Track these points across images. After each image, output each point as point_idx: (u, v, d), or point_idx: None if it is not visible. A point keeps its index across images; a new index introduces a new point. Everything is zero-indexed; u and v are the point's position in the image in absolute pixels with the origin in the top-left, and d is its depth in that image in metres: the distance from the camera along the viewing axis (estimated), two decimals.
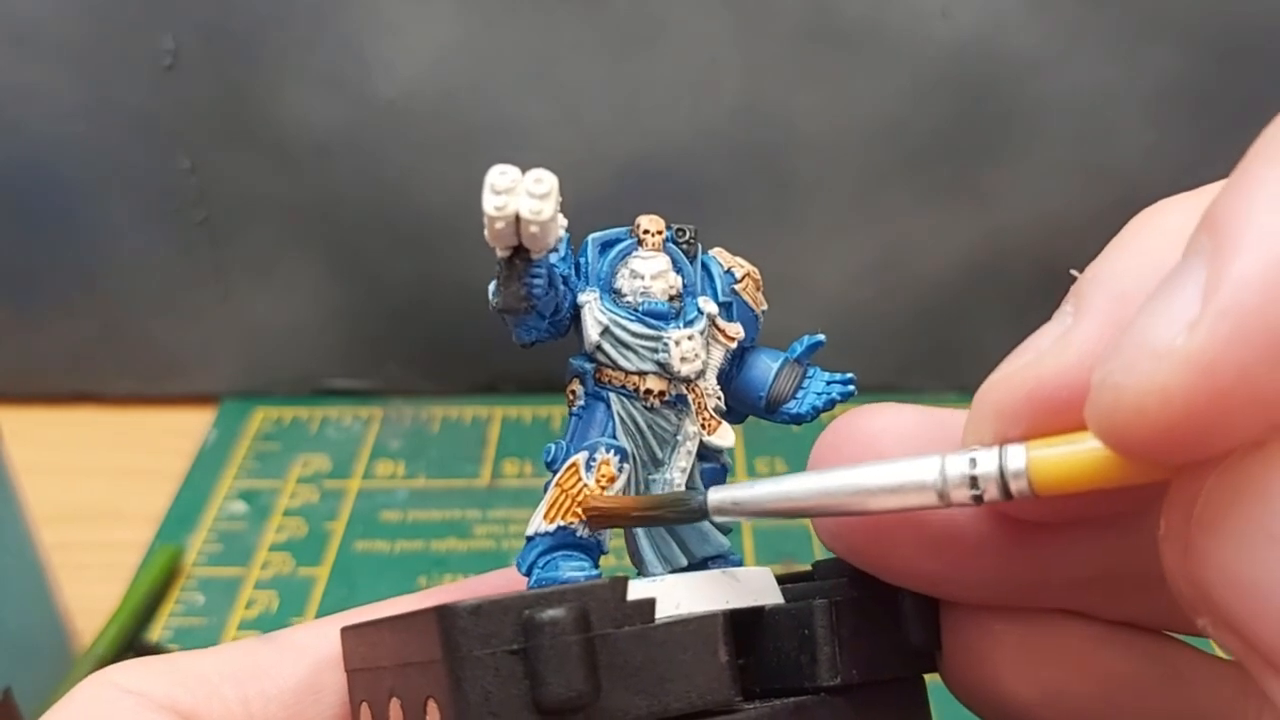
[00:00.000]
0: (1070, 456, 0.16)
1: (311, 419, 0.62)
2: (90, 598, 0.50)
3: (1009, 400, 0.18)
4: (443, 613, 0.19)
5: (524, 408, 0.63)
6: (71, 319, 0.62)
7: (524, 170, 0.21)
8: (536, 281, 0.22)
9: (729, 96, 0.55)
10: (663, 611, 0.21)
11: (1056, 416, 0.17)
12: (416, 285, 0.60)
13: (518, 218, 0.21)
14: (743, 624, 0.22)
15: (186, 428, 0.62)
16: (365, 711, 0.22)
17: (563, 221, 0.23)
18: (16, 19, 0.54)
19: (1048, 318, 0.19)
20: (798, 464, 0.58)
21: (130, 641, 0.49)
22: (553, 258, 0.23)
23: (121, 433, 0.62)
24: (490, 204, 0.21)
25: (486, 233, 0.21)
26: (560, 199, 0.21)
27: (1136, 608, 0.21)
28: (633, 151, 0.56)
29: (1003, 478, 0.17)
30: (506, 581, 0.25)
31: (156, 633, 0.50)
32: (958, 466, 0.18)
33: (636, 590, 0.21)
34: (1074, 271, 0.19)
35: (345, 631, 0.24)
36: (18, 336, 0.63)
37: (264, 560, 0.53)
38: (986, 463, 0.17)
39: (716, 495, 0.21)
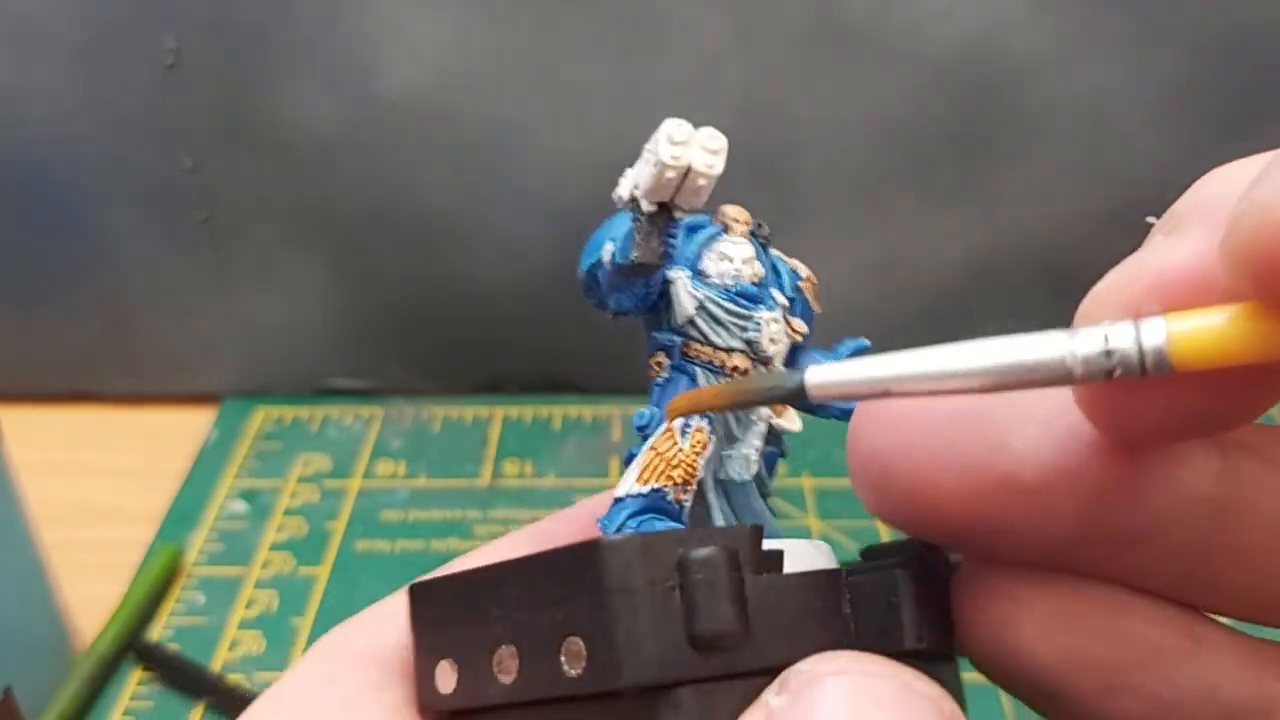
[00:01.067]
0: (1213, 325, 0.16)
1: (312, 418, 0.62)
2: (90, 597, 0.50)
3: (1130, 292, 0.17)
4: (610, 547, 0.19)
5: (525, 408, 0.62)
6: (72, 318, 0.62)
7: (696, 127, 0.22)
8: (673, 240, 0.23)
9: (731, 97, 0.55)
10: None
11: (1182, 305, 0.16)
12: (418, 285, 0.60)
13: (688, 170, 0.21)
14: None
15: (187, 427, 0.62)
16: (445, 668, 0.22)
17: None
18: (17, 18, 0.54)
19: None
20: (798, 465, 0.58)
21: (131, 640, 0.49)
22: None
23: (122, 432, 0.62)
24: (667, 153, 0.21)
25: (647, 183, 0.22)
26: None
27: (1175, 576, 0.21)
28: (635, 152, 0.56)
29: (1140, 350, 0.16)
30: (583, 524, 0.25)
31: (157, 632, 0.50)
32: (1089, 341, 0.17)
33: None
34: (1150, 219, 0.19)
35: (421, 586, 0.23)
36: (18, 335, 0.63)
37: (264, 559, 0.53)
38: (1120, 336, 0.16)
39: (817, 374, 0.19)
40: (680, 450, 0.23)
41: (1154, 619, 0.21)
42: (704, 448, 0.23)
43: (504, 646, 0.21)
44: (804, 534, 0.54)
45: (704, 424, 0.24)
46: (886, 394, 0.19)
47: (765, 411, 0.24)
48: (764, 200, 0.64)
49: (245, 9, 0.53)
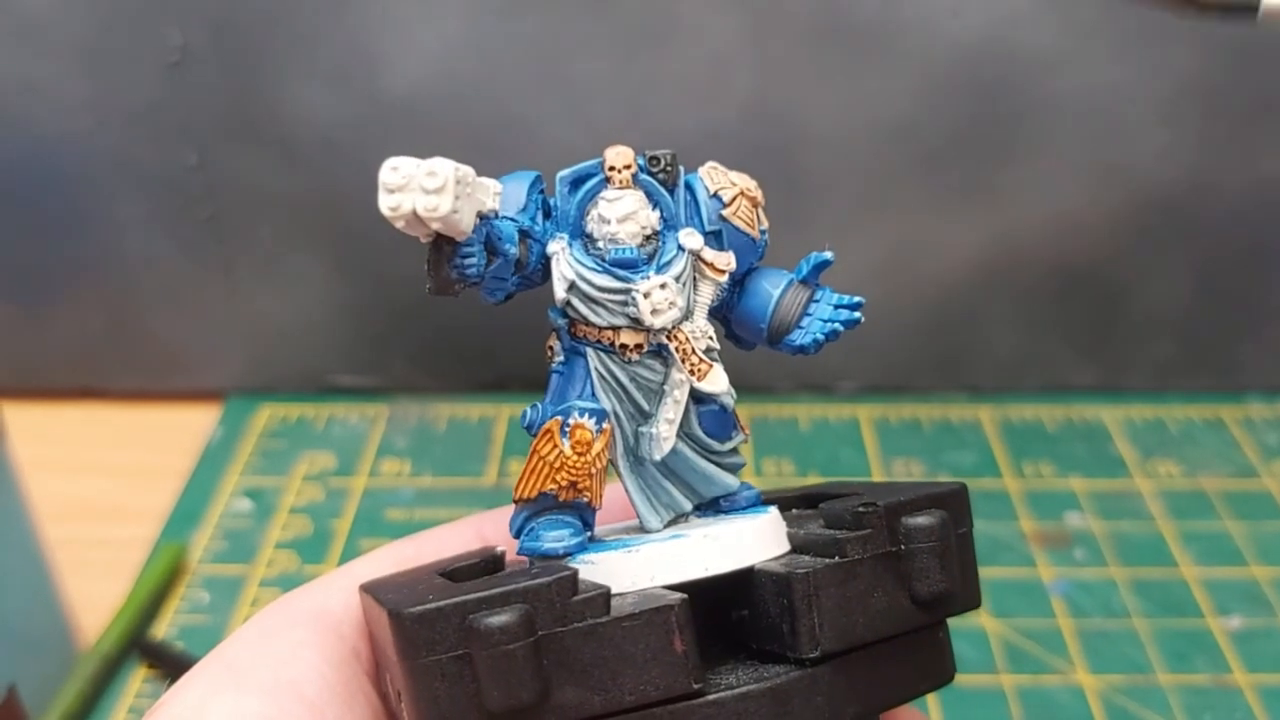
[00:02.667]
0: None
1: (317, 416, 0.62)
2: (94, 595, 0.50)
3: None
4: (392, 616, 0.19)
5: None
6: (77, 315, 0.62)
7: (425, 157, 0.20)
8: (468, 262, 0.22)
9: (739, 95, 0.54)
10: (637, 583, 0.21)
11: None
12: (423, 283, 0.60)
13: (416, 214, 0.20)
14: (736, 581, 0.22)
15: (192, 424, 0.62)
16: (388, 678, 0.22)
17: (496, 188, 0.22)
18: (24, 14, 0.54)
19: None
20: (806, 465, 0.58)
21: (135, 639, 0.49)
22: (509, 210, 0.22)
23: (126, 429, 0.62)
24: (383, 204, 0.20)
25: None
26: (468, 184, 0.21)
27: None
28: (641, 150, 0.56)
29: None
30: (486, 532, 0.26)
31: (161, 630, 0.50)
32: None
33: (602, 572, 0.21)
34: None
35: (362, 591, 0.24)
36: (24, 332, 0.63)
37: (269, 558, 0.53)
38: None
39: None
40: (561, 453, 0.22)
41: None
42: (587, 446, 0.22)
43: (388, 674, 0.21)
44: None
45: (586, 419, 0.23)
46: None
47: (680, 376, 0.23)
48: (771, 198, 0.64)
49: (251, 6, 0.53)
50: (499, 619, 0.19)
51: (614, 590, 0.21)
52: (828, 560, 0.22)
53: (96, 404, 0.64)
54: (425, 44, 0.54)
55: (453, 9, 0.53)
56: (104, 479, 0.59)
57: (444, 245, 0.21)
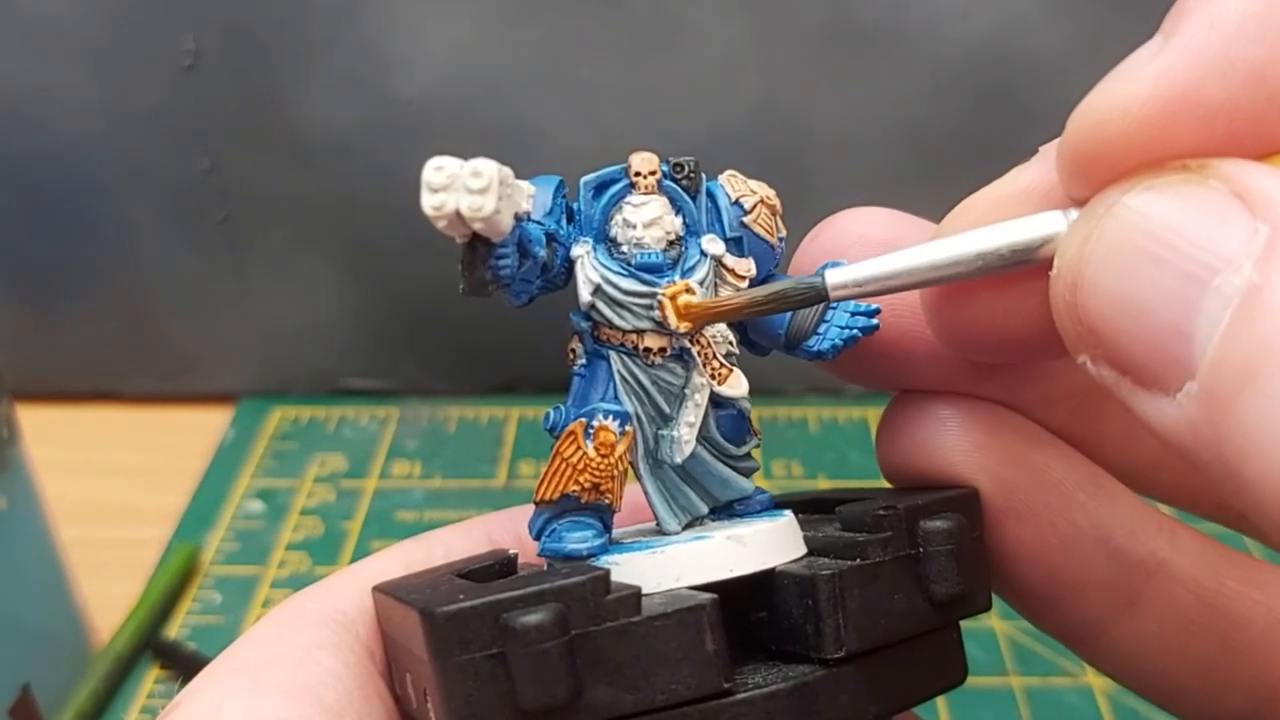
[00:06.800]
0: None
1: (329, 419, 0.63)
2: (108, 595, 0.50)
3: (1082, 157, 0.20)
4: (423, 616, 0.19)
5: (540, 408, 0.62)
6: (91, 317, 0.62)
7: (468, 158, 0.20)
8: (503, 263, 0.22)
9: (746, 97, 0.55)
10: (662, 584, 0.21)
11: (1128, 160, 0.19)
12: (434, 286, 0.60)
13: (459, 213, 0.20)
14: (756, 583, 0.22)
15: (204, 426, 0.62)
16: (409, 679, 0.22)
17: (529, 190, 0.22)
18: (38, 20, 0.54)
19: None
20: (814, 467, 0.58)
21: (148, 639, 0.49)
22: (536, 214, 0.22)
23: (140, 431, 0.63)
24: (427, 204, 0.20)
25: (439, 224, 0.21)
26: (509, 185, 0.21)
27: (1068, 412, 0.24)
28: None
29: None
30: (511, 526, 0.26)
31: (174, 630, 0.50)
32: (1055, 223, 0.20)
33: (627, 573, 0.21)
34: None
35: (376, 593, 0.23)
36: (38, 334, 0.63)
37: (281, 559, 0.53)
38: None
39: (836, 275, 0.21)
40: (585, 455, 0.22)
41: (1061, 457, 0.23)
42: (611, 448, 0.22)
43: (408, 675, 0.22)
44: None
45: (610, 421, 0.23)
46: (899, 289, 0.21)
47: (701, 380, 0.23)
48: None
49: (263, 11, 0.54)
50: (534, 618, 0.19)
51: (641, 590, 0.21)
52: (850, 562, 0.22)
53: (110, 406, 0.64)
54: (436, 48, 0.54)
55: (463, 14, 0.53)
56: (118, 480, 0.59)
57: (479, 246, 0.21)
